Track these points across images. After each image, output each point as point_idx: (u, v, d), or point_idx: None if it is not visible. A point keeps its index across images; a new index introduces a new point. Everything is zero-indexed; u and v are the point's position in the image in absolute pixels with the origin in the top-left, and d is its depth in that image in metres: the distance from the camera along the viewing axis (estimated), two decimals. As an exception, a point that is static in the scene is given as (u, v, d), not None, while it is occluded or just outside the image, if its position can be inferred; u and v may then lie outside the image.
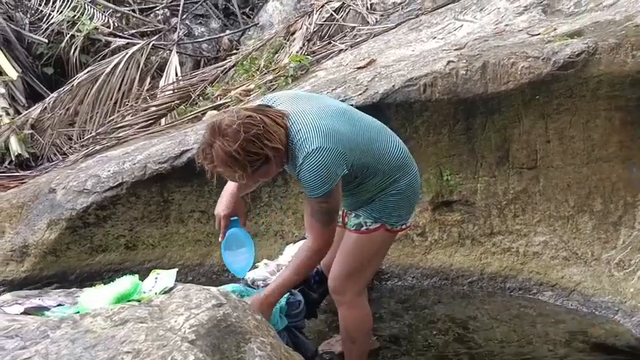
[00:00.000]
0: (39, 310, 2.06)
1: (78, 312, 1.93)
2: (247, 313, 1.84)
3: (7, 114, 6.16)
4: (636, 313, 3.23)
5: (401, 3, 5.47)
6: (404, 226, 2.61)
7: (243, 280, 2.94)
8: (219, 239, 2.63)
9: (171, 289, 1.99)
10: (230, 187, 2.59)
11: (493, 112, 3.58)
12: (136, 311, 1.75)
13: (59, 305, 2.13)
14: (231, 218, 2.59)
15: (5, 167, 5.76)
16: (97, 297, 2.03)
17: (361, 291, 2.67)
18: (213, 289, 1.90)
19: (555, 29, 3.77)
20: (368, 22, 5.39)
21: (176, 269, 2.13)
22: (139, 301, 1.93)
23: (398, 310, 3.53)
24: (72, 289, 2.25)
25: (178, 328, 1.66)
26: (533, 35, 3.79)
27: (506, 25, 4.17)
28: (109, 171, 3.85)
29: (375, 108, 3.45)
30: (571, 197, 3.57)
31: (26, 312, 2.04)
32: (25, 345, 1.65)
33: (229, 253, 2.65)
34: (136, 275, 2.10)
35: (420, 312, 3.50)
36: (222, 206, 2.58)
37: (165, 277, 2.10)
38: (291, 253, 3.03)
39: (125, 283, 2.07)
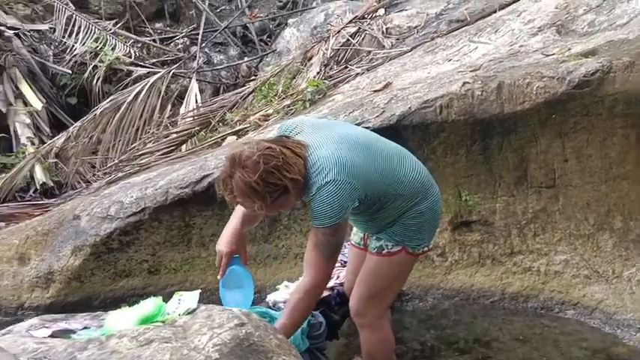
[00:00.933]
0: (66, 333, 2.10)
1: (104, 334, 1.96)
2: (269, 332, 1.87)
3: (32, 143, 6.29)
4: (659, 330, 3.20)
5: (416, 27, 5.53)
6: (425, 249, 2.61)
7: (265, 302, 2.97)
8: (218, 277, 2.62)
9: (194, 310, 2.02)
10: (232, 223, 2.60)
11: (510, 132, 3.59)
12: (160, 331, 1.78)
13: (85, 328, 2.17)
14: (233, 256, 2.58)
15: (30, 195, 5.86)
16: (122, 319, 2.07)
17: (383, 313, 2.67)
18: (235, 309, 1.94)
19: (570, 49, 3.80)
20: (384, 46, 5.45)
21: (199, 290, 2.17)
22: (163, 322, 1.96)
23: (419, 330, 3.52)
24: (97, 313, 2.28)
25: (202, 347, 1.69)
26: (547, 55, 3.81)
27: (521, 45, 4.20)
28: (131, 197, 3.91)
29: (392, 130, 3.49)
30: (591, 215, 3.56)
31: (53, 335, 2.07)
32: (53, 366, 1.68)
33: (227, 291, 2.62)
34: (160, 297, 2.13)
35: (442, 332, 3.49)
36: (224, 243, 2.58)
37: (189, 299, 2.13)
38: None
39: (149, 305, 2.11)
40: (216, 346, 1.70)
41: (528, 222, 3.65)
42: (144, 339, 1.74)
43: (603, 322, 3.40)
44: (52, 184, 5.90)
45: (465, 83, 3.63)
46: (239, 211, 2.58)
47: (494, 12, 4.95)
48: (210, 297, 3.75)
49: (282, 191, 2.24)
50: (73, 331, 2.13)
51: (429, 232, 2.57)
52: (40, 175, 5.88)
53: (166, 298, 2.20)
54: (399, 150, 2.56)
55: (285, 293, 2.94)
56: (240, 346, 1.73)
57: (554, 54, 3.79)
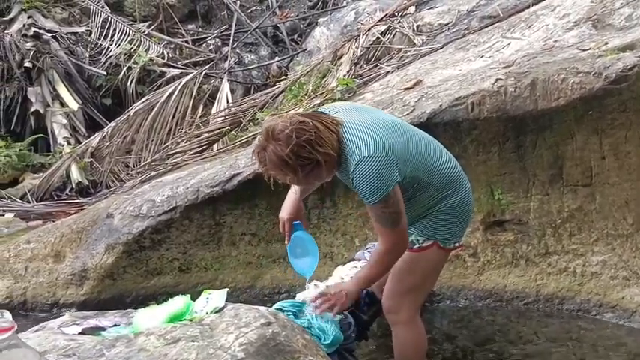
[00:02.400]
0: (96, 331, 2.12)
1: (132, 332, 1.98)
2: (296, 332, 1.85)
3: (69, 143, 6.43)
4: (702, 335, 3.10)
5: (447, 24, 5.45)
6: (457, 245, 2.59)
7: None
8: (285, 242, 2.73)
9: (222, 308, 2.02)
10: (292, 194, 2.68)
11: (544, 129, 3.51)
12: (187, 330, 1.79)
13: (115, 325, 2.19)
14: (294, 222, 2.70)
15: (66, 194, 6.00)
16: (150, 317, 2.08)
17: (417, 310, 2.65)
18: (262, 308, 1.93)
19: (606, 44, 3.69)
20: (414, 44, 5.39)
21: (227, 289, 2.16)
22: (191, 320, 1.96)
23: (451, 331, 3.47)
24: (127, 310, 2.31)
25: (228, 347, 1.69)
26: (583, 50, 3.72)
27: (555, 41, 4.10)
28: (163, 195, 3.95)
29: (423, 128, 3.39)
30: (629, 214, 3.45)
31: (84, 332, 2.09)
32: (81, 363, 1.70)
33: (295, 255, 2.77)
34: (188, 295, 2.14)
35: (475, 333, 3.44)
36: (285, 211, 2.67)
37: (217, 297, 2.13)
38: (341, 275, 3.04)
39: (178, 303, 2.11)
40: (243, 345, 1.69)
41: (564, 221, 3.56)
42: (171, 337, 1.75)
43: (643, 325, 3.29)
44: (88, 184, 6.03)
45: (497, 80, 3.56)
46: (294, 187, 2.66)
47: (528, 7, 4.85)
48: (240, 296, 3.80)
49: (314, 165, 2.25)
50: (103, 329, 2.16)
51: (459, 226, 2.56)
52: (75, 175, 6.00)
53: (196, 297, 2.21)
54: (434, 141, 2.57)
55: (315, 292, 2.92)
56: (266, 346, 1.72)
57: (590, 49, 3.69)
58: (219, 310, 2.01)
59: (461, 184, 2.53)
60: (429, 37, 5.42)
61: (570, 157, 3.52)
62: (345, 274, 3.04)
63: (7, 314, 1.08)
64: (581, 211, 3.53)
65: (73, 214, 4.93)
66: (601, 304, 3.46)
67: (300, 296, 2.91)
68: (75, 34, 7.54)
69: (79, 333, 2.06)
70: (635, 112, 3.35)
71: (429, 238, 2.50)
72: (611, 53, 3.48)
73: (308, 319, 2.60)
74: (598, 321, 3.43)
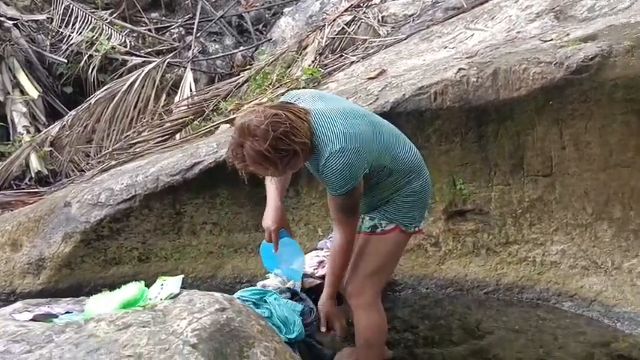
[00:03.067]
0: (47, 317, 2.07)
1: (84, 318, 1.93)
2: (251, 318, 1.82)
3: (28, 132, 6.29)
4: (662, 324, 3.14)
5: (412, 15, 5.47)
6: (417, 229, 2.65)
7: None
8: (273, 250, 2.75)
9: (177, 295, 1.98)
10: (271, 200, 2.70)
11: (505, 119, 3.53)
12: (139, 316, 1.74)
13: (67, 312, 2.14)
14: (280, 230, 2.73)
15: (25, 184, 5.87)
16: (103, 303, 2.03)
17: (378, 293, 2.69)
18: (217, 294, 1.90)
19: (568, 34, 3.73)
20: (379, 35, 5.39)
21: (182, 276, 2.13)
22: (144, 307, 1.92)
23: (412, 320, 3.47)
24: (80, 298, 2.26)
25: (180, 332, 1.65)
26: (545, 41, 3.74)
27: (518, 32, 4.13)
28: (122, 184, 3.87)
29: (386, 117, 3.36)
30: (589, 204, 3.49)
31: (35, 319, 2.05)
32: (30, 349, 1.67)
33: (281, 261, 2.82)
34: (142, 282, 2.09)
35: (436, 323, 3.44)
36: (270, 220, 2.69)
37: (171, 284, 2.09)
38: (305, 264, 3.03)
39: (132, 289, 2.08)
40: (196, 330, 1.65)
41: (524, 211, 3.59)
42: (122, 323, 1.70)
43: (602, 314, 3.34)
44: (47, 173, 5.91)
45: (460, 69, 3.57)
46: (272, 188, 2.69)
47: (492, -1, 4.88)
48: (202, 286, 3.75)
49: (292, 155, 2.28)
50: (55, 316, 2.11)
51: (419, 211, 2.62)
52: (35, 164, 5.88)
53: (151, 284, 2.17)
54: (395, 128, 2.63)
55: (276, 281, 2.90)
56: (220, 332, 1.69)
57: (552, 40, 3.72)
58: (174, 297, 1.97)
59: (421, 170, 2.60)
60: (393, 27, 5.42)
61: (531, 147, 3.54)
62: (308, 264, 3.04)
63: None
64: (541, 200, 3.56)
65: (31, 203, 4.82)
66: (560, 293, 3.49)
67: (260, 283, 2.90)
68: (36, 21, 7.37)
69: (30, 320, 2.02)
70: (595, 102, 3.38)
71: (391, 222, 2.56)
72: (573, 44, 3.51)
73: (269, 309, 2.59)
74: (557, 310, 3.46)
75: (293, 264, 2.83)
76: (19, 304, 2.19)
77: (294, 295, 2.75)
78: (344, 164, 2.30)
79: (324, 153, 2.31)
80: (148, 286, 2.17)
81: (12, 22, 6.99)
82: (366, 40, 5.35)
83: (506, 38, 4.07)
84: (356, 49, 5.29)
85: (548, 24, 4.09)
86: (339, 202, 2.40)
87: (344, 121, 2.36)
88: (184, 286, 2.13)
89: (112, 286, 3.64)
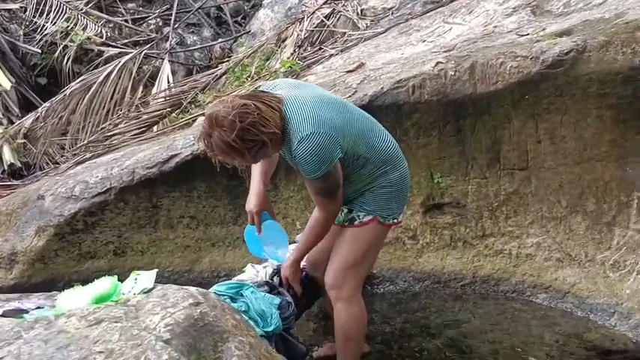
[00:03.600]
0: (18, 313, 2.04)
1: (55, 314, 1.89)
2: (226, 313, 1.80)
3: (1, 124, 6.16)
4: (632, 315, 3.19)
5: (391, 8, 5.46)
6: (395, 221, 2.64)
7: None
8: (257, 233, 2.76)
9: (151, 289, 1.96)
10: (255, 184, 2.70)
11: (483, 113, 3.55)
12: (111, 311, 1.72)
13: (38, 308, 2.11)
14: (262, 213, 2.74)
15: (-2, 176, 5.75)
16: (75, 298, 2.01)
17: (358, 286, 2.68)
18: (192, 288, 1.87)
19: (544, 29, 3.75)
20: (358, 28, 5.38)
21: (156, 270, 2.11)
22: (117, 302, 1.89)
23: (390, 313, 3.49)
24: (52, 292, 2.23)
25: (153, 328, 1.63)
26: (522, 36, 3.76)
27: (495, 26, 4.15)
28: (97, 177, 3.82)
29: (365, 110, 3.36)
30: (564, 198, 3.53)
31: (4, 314, 2.02)
32: (-2, 346, 1.62)
33: (265, 244, 2.81)
34: (115, 276, 2.07)
35: (412, 315, 3.46)
36: (252, 203, 2.70)
37: (145, 278, 2.07)
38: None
39: (104, 284, 2.05)
40: (169, 326, 1.63)
41: (500, 204, 3.62)
42: (93, 318, 1.67)
43: (576, 306, 3.39)
44: (20, 165, 5.79)
45: (437, 63, 3.58)
46: (257, 172, 2.69)
47: (470, -7, 4.88)
48: (178, 280, 3.73)
49: (260, 145, 2.28)
50: (26, 311, 2.08)
51: (397, 203, 2.59)
52: (7, 156, 5.76)
53: (125, 279, 2.14)
54: (370, 118, 2.62)
55: (252, 274, 2.89)
56: (194, 326, 1.67)
57: (528, 34, 3.74)
58: (147, 292, 1.94)
59: (399, 162, 2.58)
60: (372, 21, 5.42)
61: (507, 141, 3.57)
62: (287, 257, 3.02)
63: None
64: (517, 194, 3.60)
65: (4, 196, 4.73)
66: (535, 286, 3.53)
67: (235, 279, 2.88)
68: (9, 10, 7.21)
69: (0, 316, 1.98)
70: (570, 96, 3.41)
71: (369, 213, 2.55)
72: (549, 38, 3.53)
73: (246, 302, 2.58)
74: (532, 302, 3.50)
75: (277, 246, 2.84)
76: None
77: (272, 289, 2.73)
78: (315, 147, 2.29)
79: (296, 137, 2.31)
80: (121, 280, 2.14)
81: (-17, 11, 6.87)
82: (345, 33, 5.33)
83: (484, 32, 4.09)
84: (335, 42, 5.28)
85: (525, 18, 4.12)
86: (316, 185, 2.40)
87: (316, 106, 2.36)
88: (159, 280, 2.10)
89: (87, 281, 3.58)
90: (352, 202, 2.57)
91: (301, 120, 2.31)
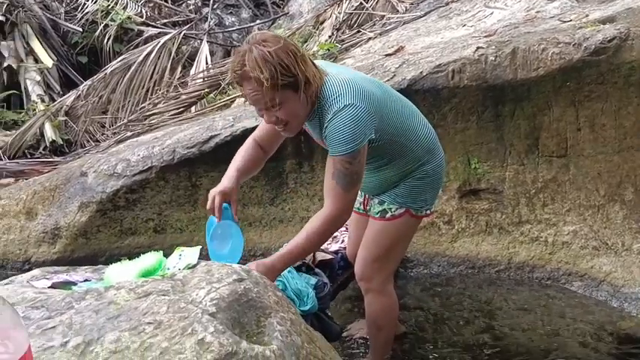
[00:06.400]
0: (66, 285, 2.09)
1: (103, 286, 1.96)
2: (268, 289, 1.84)
3: (43, 101, 6.29)
4: (668, 305, 3.16)
5: (431, -9, 5.41)
6: (428, 212, 2.55)
7: None
8: (216, 220, 2.41)
9: (195, 265, 2.00)
10: (231, 169, 2.44)
11: (522, 99, 3.52)
12: (158, 285, 1.76)
13: (86, 280, 2.16)
14: (224, 204, 2.37)
15: (40, 153, 5.88)
16: (122, 272, 2.06)
17: (388, 278, 2.64)
18: (235, 265, 1.92)
19: (587, 15, 3.70)
20: (397, 11, 5.35)
21: (200, 247, 2.15)
22: (162, 276, 1.95)
23: (423, 297, 3.51)
24: (99, 266, 2.28)
25: (199, 301, 1.67)
26: (564, 22, 3.72)
27: (538, 11, 4.10)
28: (138, 155, 3.90)
29: (403, 94, 3.38)
30: (602, 186, 3.50)
31: (53, 286, 2.06)
32: (50, 315, 1.67)
33: (216, 243, 2.45)
34: (161, 252, 2.12)
35: (446, 300, 3.47)
36: (220, 185, 2.40)
37: (189, 255, 2.11)
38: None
39: (150, 259, 2.09)
40: (214, 300, 1.67)
41: (537, 191, 3.60)
42: (142, 291, 1.72)
43: (610, 294, 3.36)
44: (62, 142, 5.91)
45: (478, 48, 3.55)
46: (236, 160, 2.48)
47: (512, -23, 4.81)
48: (215, 257, 3.77)
49: (292, 82, 2.10)
50: (74, 283, 2.13)
51: (432, 194, 2.50)
52: (49, 133, 5.89)
53: (167, 255, 2.19)
54: (411, 104, 2.50)
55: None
56: (238, 302, 1.71)
57: (571, 20, 3.69)
58: (191, 267, 1.99)
59: (435, 151, 2.48)
60: (412, 4, 5.38)
61: (547, 127, 3.54)
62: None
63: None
64: (555, 181, 3.57)
65: (46, 172, 4.85)
66: (570, 273, 3.52)
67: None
68: (51, -12, 7.34)
69: (49, 287, 2.04)
70: (612, 84, 3.37)
71: (401, 206, 2.45)
72: (592, 25, 3.48)
73: (282, 282, 2.61)
74: (567, 290, 3.49)
75: (225, 248, 2.45)
76: (36, 272, 2.19)
77: (309, 269, 2.77)
78: (351, 119, 2.13)
79: (332, 109, 2.15)
80: (165, 256, 2.19)
81: (25, -12, 6.98)
82: (384, 16, 5.30)
83: (526, 17, 4.04)
84: (373, 25, 5.26)
85: (568, 4, 4.06)
86: (341, 166, 2.18)
87: (357, 82, 2.22)
88: (201, 257, 2.15)
89: (128, 256, 3.74)
90: (384, 194, 2.46)
91: (341, 91, 2.16)
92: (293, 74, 2.09)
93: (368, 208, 2.59)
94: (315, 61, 2.35)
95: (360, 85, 2.22)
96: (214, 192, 2.39)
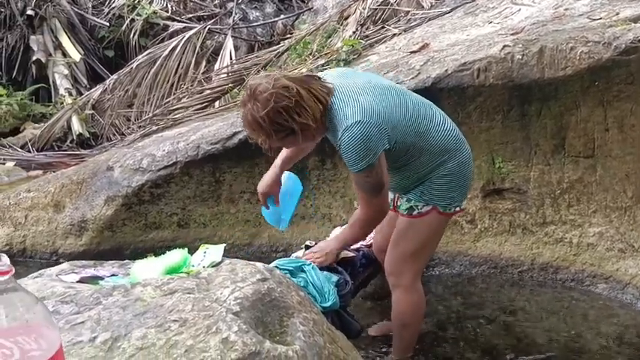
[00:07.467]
0: (94, 280, 2.13)
1: (130, 282, 1.99)
2: (291, 289, 1.86)
3: (70, 94, 6.39)
4: (693, 309, 3.12)
5: (457, -13, 5.36)
6: (457, 209, 2.54)
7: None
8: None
9: (219, 263, 2.02)
10: (272, 169, 2.74)
11: (549, 99, 3.48)
12: (184, 282, 1.79)
13: (113, 275, 2.19)
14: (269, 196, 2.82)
15: (67, 145, 5.99)
16: (148, 268, 2.08)
17: (417, 275, 2.65)
18: (258, 264, 1.93)
19: (618, 14, 3.63)
20: (422, 7, 5.31)
21: (224, 244, 2.16)
22: (187, 273, 1.97)
23: (445, 296, 3.50)
24: (125, 261, 2.31)
25: (224, 300, 1.69)
26: (594, 20, 3.65)
27: (566, 9, 4.03)
28: (163, 150, 3.94)
29: (428, 92, 3.39)
30: (629, 188, 3.45)
31: (82, 281, 2.10)
32: (79, 310, 1.70)
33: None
34: (186, 249, 2.14)
35: (468, 299, 3.46)
36: (261, 186, 2.80)
37: (214, 252, 2.13)
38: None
39: (175, 256, 2.11)
40: (238, 299, 1.69)
41: (563, 192, 3.56)
42: (167, 289, 1.75)
43: (636, 297, 3.32)
44: (88, 136, 6.01)
45: (504, 46, 3.51)
46: (279, 157, 2.72)
47: (541, -26, 4.75)
48: (238, 253, 3.82)
49: (288, 132, 2.21)
50: (101, 278, 2.16)
51: (459, 191, 2.49)
52: (76, 126, 5.98)
53: (194, 252, 2.22)
54: (428, 105, 2.47)
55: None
56: (261, 301, 1.72)
57: (600, 18, 3.63)
58: (216, 265, 2.01)
59: (457, 150, 2.45)
60: (437, 0, 5.33)
61: (574, 127, 3.49)
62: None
63: (5, 258, 1.08)
64: (581, 182, 3.53)
65: (73, 165, 4.93)
66: (595, 275, 3.48)
67: (295, 255, 2.94)
68: (79, -17, 7.42)
69: (77, 281, 2.07)
70: (642, 84, 3.32)
71: (428, 203, 2.46)
72: (622, 24, 3.42)
73: (304, 278, 2.62)
74: (591, 292, 3.45)
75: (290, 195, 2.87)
76: (65, 266, 2.23)
77: (330, 267, 2.78)
78: (359, 137, 2.18)
79: (341, 125, 2.21)
80: (189, 252, 2.22)
81: (54, -17, 7.07)
82: (409, 12, 5.27)
83: (554, 15, 3.98)
84: (398, 20, 5.22)
85: (598, 2, 3.98)
86: (360, 180, 2.30)
87: (362, 97, 2.25)
88: (225, 254, 2.17)
89: (152, 250, 3.80)
90: (411, 192, 2.48)
91: (348, 108, 2.21)
92: (289, 127, 2.20)
93: (398, 205, 2.61)
94: (322, 74, 2.42)
95: (366, 99, 2.26)
96: (259, 193, 2.82)
